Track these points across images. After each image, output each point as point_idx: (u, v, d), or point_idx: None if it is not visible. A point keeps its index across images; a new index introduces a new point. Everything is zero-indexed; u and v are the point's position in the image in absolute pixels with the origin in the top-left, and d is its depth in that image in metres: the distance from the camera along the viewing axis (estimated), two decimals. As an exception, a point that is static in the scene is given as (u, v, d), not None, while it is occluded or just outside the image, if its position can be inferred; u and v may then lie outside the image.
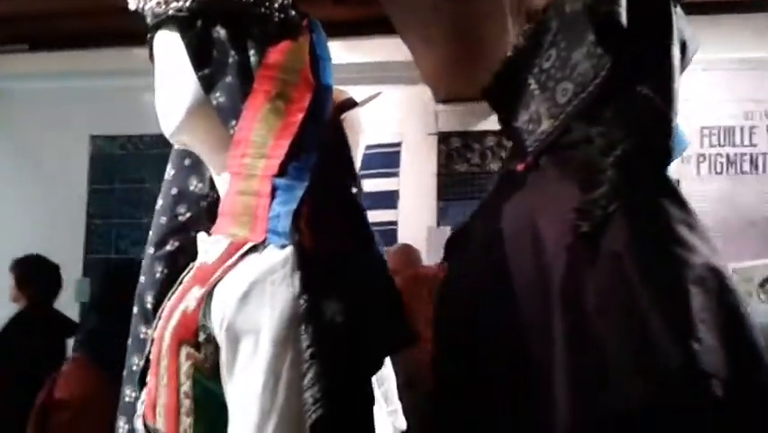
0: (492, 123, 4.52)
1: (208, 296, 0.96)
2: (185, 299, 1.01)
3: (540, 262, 1.01)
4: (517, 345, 1.00)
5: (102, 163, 4.93)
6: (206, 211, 1.22)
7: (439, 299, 1.17)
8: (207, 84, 1.02)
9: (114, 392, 2.30)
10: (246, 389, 0.89)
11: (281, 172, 0.97)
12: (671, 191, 1.02)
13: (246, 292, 0.91)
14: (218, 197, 1.21)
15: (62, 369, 2.50)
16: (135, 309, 1.21)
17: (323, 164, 1.00)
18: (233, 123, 1.01)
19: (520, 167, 1.13)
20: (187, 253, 1.21)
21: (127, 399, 1.19)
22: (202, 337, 0.96)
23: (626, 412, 0.92)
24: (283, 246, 0.93)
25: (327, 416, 0.87)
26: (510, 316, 1.02)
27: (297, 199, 0.95)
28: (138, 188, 4.85)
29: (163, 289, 1.19)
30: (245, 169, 0.99)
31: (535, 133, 1.12)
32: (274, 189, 0.96)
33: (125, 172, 4.91)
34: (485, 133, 4.38)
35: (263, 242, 0.95)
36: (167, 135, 1.10)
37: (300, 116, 1.00)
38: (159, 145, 4.85)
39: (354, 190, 1.06)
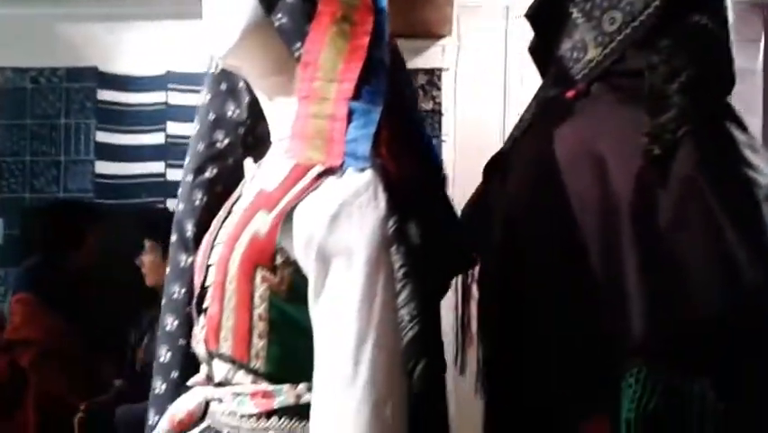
0: (424, 60, 4.53)
1: (286, 219, 0.96)
2: (250, 224, 1.01)
3: (604, 184, 1.05)
4: (580, 263, 1.05)
5: (12, 97, 4.63)
6: (243, 138, 1.20)
7: (477, 225, 1.20)
8: (268, 4, 1.00)
9: (72, 329, 2.26)
10: (340, 309, 0.91)
11: (356, 96, 0.97)
12: (734, 116, 1.09)
13: (335, 214, 0.92)
14: (254, 123, 1.19)
15: (8, 310, 2.43)
16: (174, 237, 1.18)
17: (391, 87, 1.01)
18: (298, 45, 0.99)
19: (570, 93, 1.16)
20: (225, 180, 1.19)
21: (168, 327, 1.16)
22: (279, 261, 0.96)
23: (704, 325, 0.98)
24: (362, 170, 0.94)
25: (422, 333, 0.90)
26: (570, 236, 1.06)
27: (374, 123, 0.96)
28: (53, 123, 4.61)
29: (202, 217, 1.17)
30: (316, 92, 0.98)
31: (582, 61, 1.15)
32: (350, 113, 0.96)
33: (38, 107, 4.64)
34: (416, 72, 4.35)
35: (341, 165, 0.96)
36: (217, 57, 1.08)
37: (367, 39, 1.00)
38: (74, 79, 4.65)
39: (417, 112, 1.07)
